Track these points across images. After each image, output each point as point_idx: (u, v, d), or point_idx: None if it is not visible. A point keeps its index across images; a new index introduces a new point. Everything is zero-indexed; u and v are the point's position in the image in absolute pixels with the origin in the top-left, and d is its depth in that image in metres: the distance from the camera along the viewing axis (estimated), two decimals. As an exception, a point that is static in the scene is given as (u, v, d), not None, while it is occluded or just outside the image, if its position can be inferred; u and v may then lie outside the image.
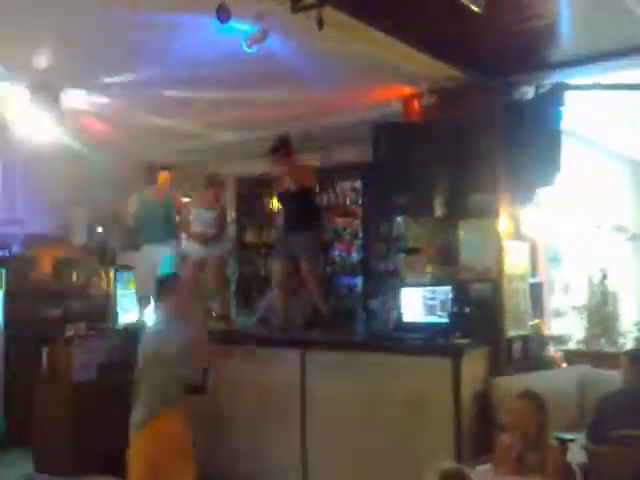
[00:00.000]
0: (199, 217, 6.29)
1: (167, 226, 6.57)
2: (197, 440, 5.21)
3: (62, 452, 5.66)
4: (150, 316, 5.62)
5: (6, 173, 7.51)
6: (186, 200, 7.11)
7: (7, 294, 6.82)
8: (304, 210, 5.75)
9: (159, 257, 6.39)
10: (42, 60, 4.49)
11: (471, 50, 4.62)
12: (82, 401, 5.74)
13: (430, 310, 5.14)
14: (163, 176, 6.63)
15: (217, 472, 5.30)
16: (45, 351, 6.03)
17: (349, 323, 6.57)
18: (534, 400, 3.44)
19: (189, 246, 6.36)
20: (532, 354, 5.28)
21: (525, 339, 5.22)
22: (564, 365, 5.48)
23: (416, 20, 4.04)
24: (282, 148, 5.69)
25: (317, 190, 6.33)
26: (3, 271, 6.88)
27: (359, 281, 7.23)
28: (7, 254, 7.12)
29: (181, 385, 4.27)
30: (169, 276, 4.45)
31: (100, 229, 8.00)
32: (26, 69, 4.68)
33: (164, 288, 4.30)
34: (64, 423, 5.75)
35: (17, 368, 6.42)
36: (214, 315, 6.24)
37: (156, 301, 4.33)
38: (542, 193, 5.50)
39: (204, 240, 6.23)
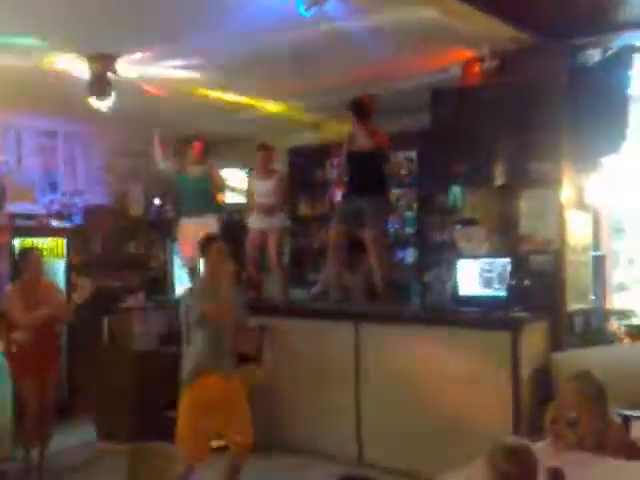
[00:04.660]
0: (257, 188, 6.37)
1: (205, 198, 6.45)
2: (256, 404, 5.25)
3: (124, 419, 5.80)
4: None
5: (67, 144, 7.66)
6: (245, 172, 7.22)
7: (68, 265, 7.02)
8: (374, 173, 5.61)
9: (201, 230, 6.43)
10: (94, 29, 4.47)
11: (535, 10, 4.40)
12: (143, 369, 5.89)
13: (487, 283, 5.01)
14: (196, 147, 6.48)
15: (275, 439, 5.40)
16: (106, 321, 6.20)
17: (403, 296, 6.51)
18: (588, 382, 3.30)
19: (252, 218, 6.41)
20: (594, 329, 5.12)
21: (587, 313, 5.06)
22: (627, 340, 5.30)
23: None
24: (363, 108, 5.60)
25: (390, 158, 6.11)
26: (65, 242, 7.07)
27: (410, 253, 7.13)
28: (68, 225, 7.29)
29: (225, 348, 4.19)
30: (208, 236, 4.45)
31: (157, 201, 8.10)
32: (79, 38, 4.68)
33: (201, 248, 4.30)
34: (126, 391, 5.90)
35: (79, 337, 6.60)
36: (243, 279, 6.11)
37: (200, 260, 4.40)
38: (607, 161, 5.28)
39: (263, 211, 6.26)
